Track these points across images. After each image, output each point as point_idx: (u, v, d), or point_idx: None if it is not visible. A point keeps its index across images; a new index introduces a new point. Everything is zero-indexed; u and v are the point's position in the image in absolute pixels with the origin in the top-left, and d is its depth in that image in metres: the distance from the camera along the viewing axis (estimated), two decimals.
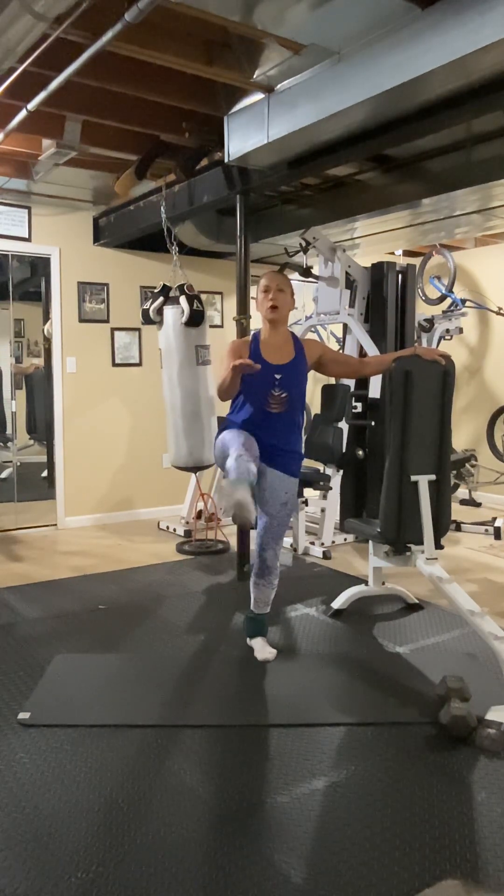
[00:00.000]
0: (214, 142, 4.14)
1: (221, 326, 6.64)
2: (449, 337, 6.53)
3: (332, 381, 5.46)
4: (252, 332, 3.33)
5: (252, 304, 3.93)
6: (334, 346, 6.58)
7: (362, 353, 5.22)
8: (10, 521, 5.82)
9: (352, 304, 5.34)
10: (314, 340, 3.40)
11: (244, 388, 3.10)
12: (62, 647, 3.34)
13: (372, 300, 5.39)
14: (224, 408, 3.38)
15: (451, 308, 6.43)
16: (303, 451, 3.30)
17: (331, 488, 5.13)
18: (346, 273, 5.29)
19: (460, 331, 6.48)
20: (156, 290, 4.97)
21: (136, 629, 3.61)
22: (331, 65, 3.22)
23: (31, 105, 3.46)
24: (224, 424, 3.24)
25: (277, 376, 3.09)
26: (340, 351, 5.71)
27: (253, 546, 3.57)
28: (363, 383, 5.29)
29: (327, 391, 5.17)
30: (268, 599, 3.29)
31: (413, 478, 3.12)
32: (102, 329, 6.09)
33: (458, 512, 5.79)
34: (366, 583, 3.89)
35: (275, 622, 3.56)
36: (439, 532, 3.19)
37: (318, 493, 5.29)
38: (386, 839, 1.97)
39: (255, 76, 3.46)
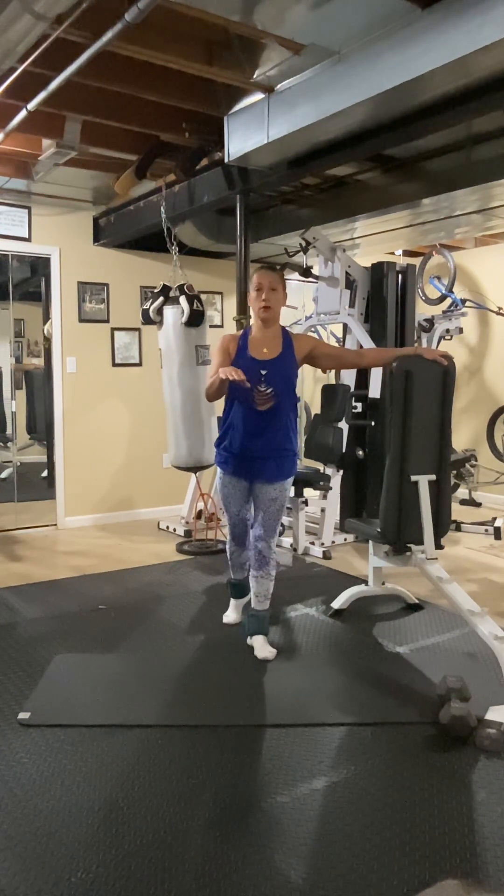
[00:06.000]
0: (214, 142, 4.14)
1: (221, 326, 6.63)
2: (449, 337, 6.52)
3: (332, 380, 5.46)
4: (244, 328, 3.32)
5: None
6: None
7: None
8: (10, 521, 5.82)
9: (352, 304, 5.34)
10: (306, 335, 3.39)
11: (231, 385, 3.09)
12: (62, 647, 3.34)
13: (372, 300, 5.39)
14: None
15: (451, 308, 6.43)
16: (297, 448, 3.28)
17: (331, 488, 5.13)
18: (346, 273, 5.29)
19: (460, 331, 6.48)
20: (156, 290, 4.96)
21: (136, 629, 3.61)
22: (331, 65, 3.22)
23: (31, 105, 3.47)
24: (220, 433, 3.27)
25: (262, 372, 3.09)
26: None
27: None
28: (363, 383, 5.29)
29: (327, 391, 5.17)
30: (267, 593, 3.29)
31: (413, 478, 3.12)
32: (102, 329, 6.09)
33: (458, 512, 5.79)
34: (366, 583, 3.89)
35: (275, 622, 3.56)
36: (439, 532, 3.20)
37: (318, 493, 5.29)
38: (386, 839, 1.97)
39: (255, 76, 3.46)
